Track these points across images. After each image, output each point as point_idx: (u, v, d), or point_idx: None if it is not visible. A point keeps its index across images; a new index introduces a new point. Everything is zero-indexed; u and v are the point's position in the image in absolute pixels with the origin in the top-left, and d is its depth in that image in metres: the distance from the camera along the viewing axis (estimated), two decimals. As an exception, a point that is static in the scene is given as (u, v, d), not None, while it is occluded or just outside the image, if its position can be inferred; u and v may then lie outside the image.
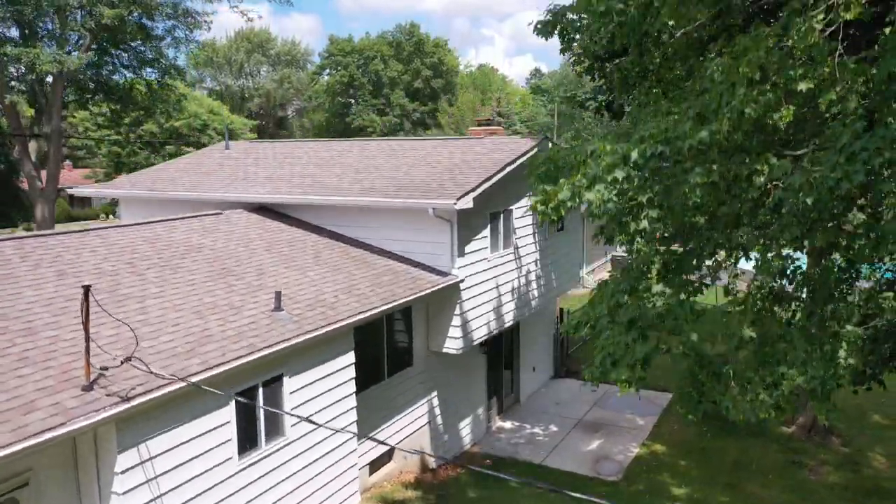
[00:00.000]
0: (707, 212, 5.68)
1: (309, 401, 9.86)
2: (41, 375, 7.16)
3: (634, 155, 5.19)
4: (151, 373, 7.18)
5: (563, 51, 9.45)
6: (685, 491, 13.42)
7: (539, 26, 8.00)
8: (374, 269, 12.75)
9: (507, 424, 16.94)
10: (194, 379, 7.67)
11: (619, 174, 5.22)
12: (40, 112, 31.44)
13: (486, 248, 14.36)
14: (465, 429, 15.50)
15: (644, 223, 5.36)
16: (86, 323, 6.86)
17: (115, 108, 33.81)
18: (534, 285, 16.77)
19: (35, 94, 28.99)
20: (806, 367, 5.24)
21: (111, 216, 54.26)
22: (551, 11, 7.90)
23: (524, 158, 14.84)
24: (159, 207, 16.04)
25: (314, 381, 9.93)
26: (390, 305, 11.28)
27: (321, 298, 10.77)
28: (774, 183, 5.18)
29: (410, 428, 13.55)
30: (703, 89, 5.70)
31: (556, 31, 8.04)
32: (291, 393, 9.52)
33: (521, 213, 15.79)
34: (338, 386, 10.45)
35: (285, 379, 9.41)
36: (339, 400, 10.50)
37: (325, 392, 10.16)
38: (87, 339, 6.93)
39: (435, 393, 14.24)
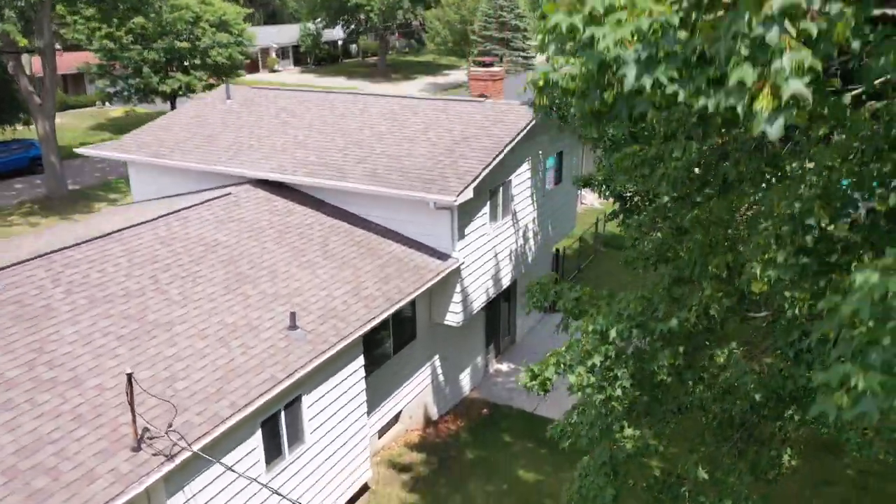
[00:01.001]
0: (673, 376, 6.50)
1: (325, 408, 11.05)
2: (95, 436, 8.23)
3: (613, 333, 5.93)
4: (193, 451, 8.23)
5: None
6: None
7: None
8: (378, 257, 13.53)
9: (504, 367, 18.35)
10: (225, 426, 8.77)
11: (598, 359, 5.99)
12: (29, 22, 30.64)
13: (485, 223, 15.04)
14: (465, 377, 16.88)
15: (619, 391, 6.17)
16: (131, 403, 7.83)
17: (104, 7, 33.11)
18: (532, 242, 17.58)
19: (24, 11, 28.21)
20: (748, 502, 6.27)
21: (106, 103, 53.48)
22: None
23: (523, 133, 15.17)
24: (167, 173, 16.55)
25: (329, 391, 11.07)
26: (396, 307, 12.21)
27: (331, 307, 11.66)
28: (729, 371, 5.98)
29: (415, 391, 14.90)
30: (683, 228, 6.30)
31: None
32: (309, 407, 10.68)
33: (520, 181, 16.29)
34: (349, 388, 11.60)
35: (304, 398, 10.53)
36: (352, 399, 11.70)
37: (338, 397, 11.33)
38: (133, 413, 7.93)
39: (437, 356, 15.47)
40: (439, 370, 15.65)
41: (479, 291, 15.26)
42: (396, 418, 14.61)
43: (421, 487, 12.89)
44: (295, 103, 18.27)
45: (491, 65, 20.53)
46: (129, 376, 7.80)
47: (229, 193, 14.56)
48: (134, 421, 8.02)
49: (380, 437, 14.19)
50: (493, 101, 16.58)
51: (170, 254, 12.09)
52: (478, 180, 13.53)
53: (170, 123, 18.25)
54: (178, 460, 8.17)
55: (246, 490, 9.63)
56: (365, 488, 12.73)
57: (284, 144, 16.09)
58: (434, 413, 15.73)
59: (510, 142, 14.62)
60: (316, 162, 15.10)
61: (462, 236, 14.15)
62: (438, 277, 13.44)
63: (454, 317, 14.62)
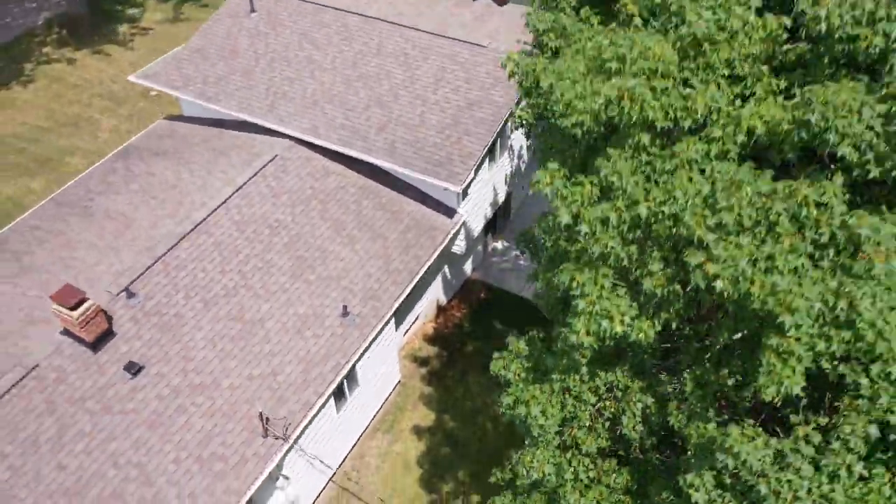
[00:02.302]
0: None
1: (370, 361, 16.15)
2: (239, 428, 13.48)
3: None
4: (292, 444, 13.48)
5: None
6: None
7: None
8: (400, 221, 17.40)
9: (499, 245, 22.91)
10: (313, 411, 13.99)
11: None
12: None
13: (484, 169, 18.46)
14: (468, 264, 21.60)
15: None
16: (265, 427, 12.92)
17: None
18: (526, 156, 20.92)
19: None
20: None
21: None
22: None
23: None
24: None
25: (373, 352, 16.04)
26: (416, 278, 16.54)
27: (369, 286, 16.04)
28: None
29: (430, 296, 19.80)
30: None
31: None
32: (361, 367, 15.78)
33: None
34: (385, 339, 16.56)
35: (357, 365, 15.56)
36: (388, 345, 16.74)
37: (379, 349, 16.34)
38: (264, 426, 13.06)
39: (446, 265, 20.05)
40: (448, 272, 20.34)
41: (480, 219, 19.29)
42: (416, 318, 19.77)
43: (435, 381, 18.58)
44: (315, 28, 20.04)
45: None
46: (261, 414, 12.79)
47: (276, 156, 17.79)
48: (264, 427, 13.20)
49: (404, 335, 19.51)
50: (495, 54, 18.58)
51: (246, 242, 16.09)
52: (477, 161, 16.80)
53: (204, 47, 20.28)
54: (290, 440, 13.55)
55: (327, 430, 15.25)
56: (397, 383, 18.43)
57: (314, 94, 18.66)
58: (443, 300, 20.82)
59: (507, 114, 17.38)
60: (344, 125, 17.99)
61: (465, 196, 17.79)
62: (447, 238, 17.49)
63: (459, 247, 18.91)
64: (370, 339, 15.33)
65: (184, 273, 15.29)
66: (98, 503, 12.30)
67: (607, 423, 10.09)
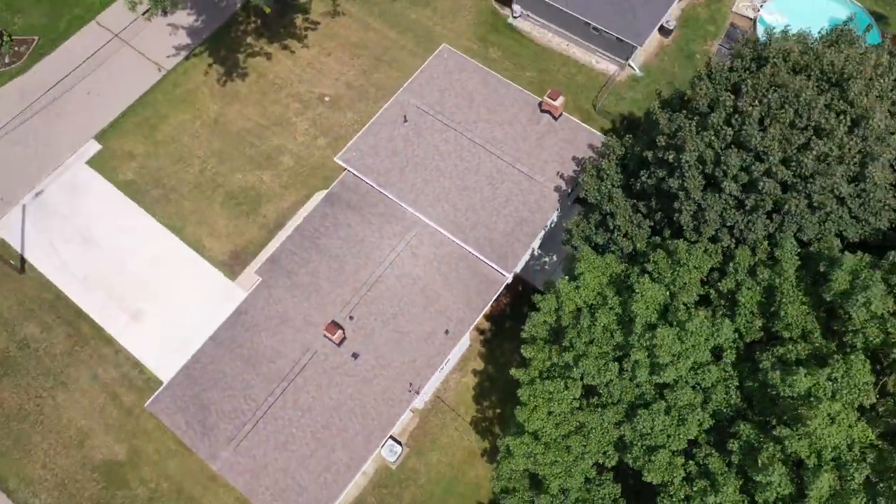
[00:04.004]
0: None
1: (455, 349, 33.65)
2: (399, 386, 31.60)
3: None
4: (419, 393, 31.67)
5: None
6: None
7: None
8: (477, 277, 33.54)
9: (536, 253, 38.59)
10: (432, 379, 32.02)
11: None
12: None
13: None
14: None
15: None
16: (410, 389, 30.96)
17: None
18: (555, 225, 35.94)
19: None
20: None
21: None
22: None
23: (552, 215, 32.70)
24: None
25: (457, 346, 33.41)
26: (482, 313, 33.20)
27: (458, 316, 32.86)
28: None
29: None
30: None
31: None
32: (450, 354, 33.32)
33: (549, 218, 33.98)
34: (464, 337, 33.84)
35: (448, 356, 33.09)
36: (464, 337, 34.07)
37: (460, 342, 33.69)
38: (411, 388, 31.16)
39: (501, 279, 36.37)
40: (501, 280, 36.65)
41: (522, 263, 35.17)
42: (481, 306, 36.67)
43: (486, 345, 35.96)
44: (442, 143, 34.12)
45: (556, 98, 34.37)
46: (410, 384, 30.77)
47: (416, 231, 33.51)
48: (410, 387, 31.30)
49: (474, 314, 36.58)
50: (541, 186, 32.72)
51: (401, 287, 32.78)
52: (521, 258, 32.42)
53: (376, 145, 34.73)
54: (420, 393, 31.70)
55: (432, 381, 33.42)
56: (468, 346, 35.93)
57: (438, 195, 33.62)
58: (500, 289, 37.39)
59: (542, 229, 32.43)
60: (453, 220, 33.24)
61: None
62: (502, 287, 33.71)
63: (507, 279, 35.10)
64: (458, 343, 32.65)
65: (373, 306, 32.40)
66: (347, 415, 31.05)
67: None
